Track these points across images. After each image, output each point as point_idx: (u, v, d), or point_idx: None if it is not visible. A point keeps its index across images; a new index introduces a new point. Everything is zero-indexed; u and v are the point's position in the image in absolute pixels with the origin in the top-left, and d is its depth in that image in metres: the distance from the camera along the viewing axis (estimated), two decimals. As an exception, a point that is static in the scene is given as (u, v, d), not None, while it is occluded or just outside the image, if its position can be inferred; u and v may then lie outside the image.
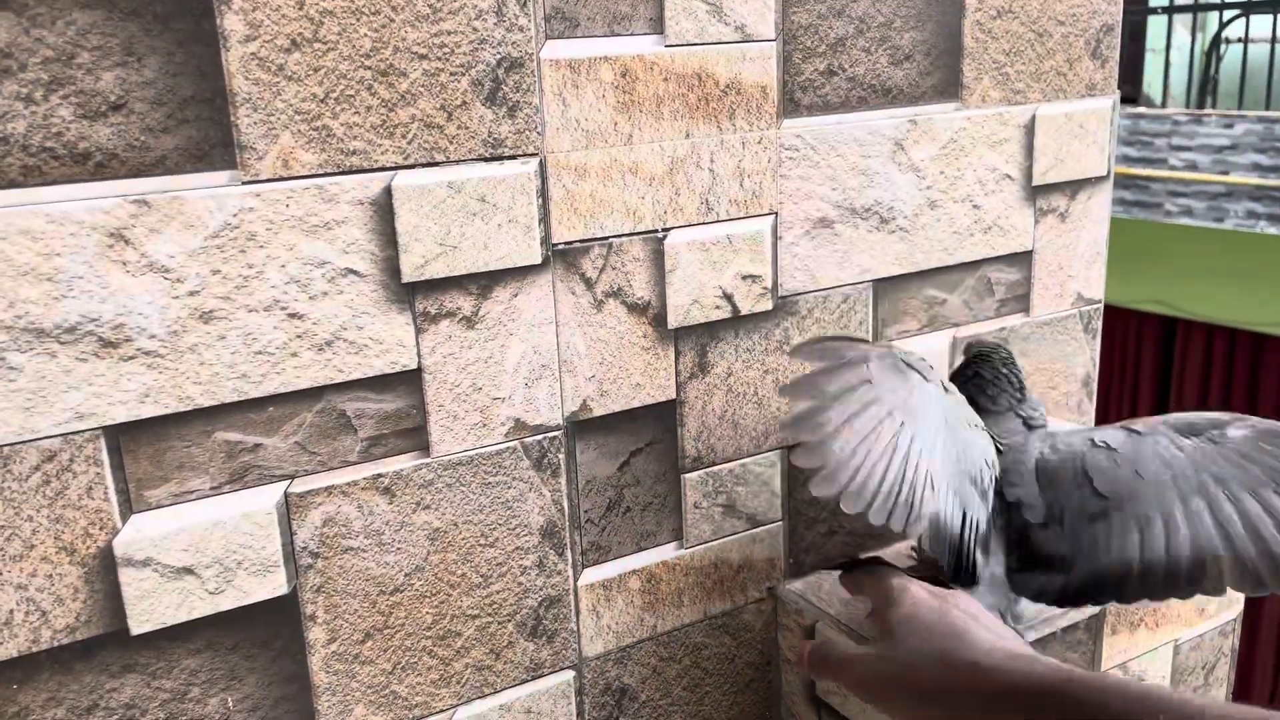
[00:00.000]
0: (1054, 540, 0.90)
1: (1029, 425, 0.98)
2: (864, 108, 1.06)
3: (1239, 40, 6.06)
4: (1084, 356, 1.31)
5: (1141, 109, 6.00)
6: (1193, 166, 5.82)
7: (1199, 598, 0.89)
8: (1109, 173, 1.27)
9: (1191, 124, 5.79)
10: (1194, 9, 5.92)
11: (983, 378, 1.01)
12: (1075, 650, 1.07)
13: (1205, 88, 6.12)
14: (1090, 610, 1.06)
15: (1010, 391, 0.99)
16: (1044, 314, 1.26)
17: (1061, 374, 1.29)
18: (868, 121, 1.07)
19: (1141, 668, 1.14)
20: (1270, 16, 5.62)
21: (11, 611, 0.77)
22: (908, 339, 1.16)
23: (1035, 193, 1.21)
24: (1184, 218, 5.92)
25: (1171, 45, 6.32)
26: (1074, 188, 1.24)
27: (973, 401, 0.96)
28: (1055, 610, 1.00)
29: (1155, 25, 6.53)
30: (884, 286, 1.13)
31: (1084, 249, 1.27)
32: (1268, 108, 5.86)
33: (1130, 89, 6.27)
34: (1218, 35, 6.18)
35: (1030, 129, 1.18)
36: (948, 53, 1.10)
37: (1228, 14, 5.87)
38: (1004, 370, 1.00)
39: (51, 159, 0.73)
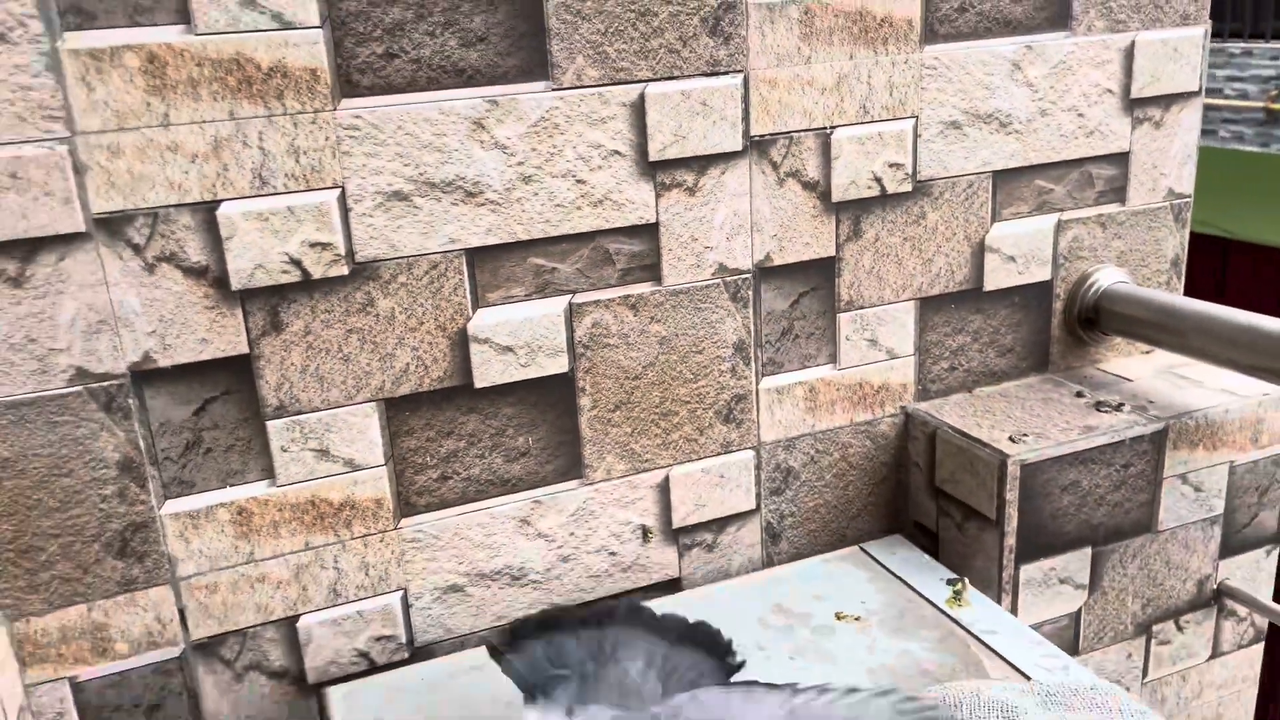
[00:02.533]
0: None
1: None
2: (990, 36, 1.39)
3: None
4: (1173, 241, 1.60)
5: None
6: (1244, 95, 5.86)
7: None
8: (1200, 89, 1.54)
9: (1243, 56, 5.84)
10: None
11: None
12: (1141, 458, 1.40)
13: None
14: (1155, 428, 1.38)
15: None
16: (1138, 204, 1.55)
17: (1153, 254, 1.59)
18: (991, 47, 1.39)
19: (1199, 479, 1.45)
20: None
21: (408, 364, 1.22)
22: (1020, 220, 1.48)
23: (1133, 105, 1.50)
24: (1235, 144, 5.98)
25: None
26: (1168, 101, 1.52)
27: None
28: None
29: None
30: (1001, 177, 1.46)
31: (1176, 152, 1.55)
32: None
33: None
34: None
35: (1130, 53, 1.47)
36: (1059, -8, 1.41)
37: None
38: None
39: (443, 73, 1.15)
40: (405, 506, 1.26)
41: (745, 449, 1.42)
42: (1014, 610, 1.38)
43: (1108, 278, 1.54)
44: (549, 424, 1.31)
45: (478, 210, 1.20)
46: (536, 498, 1.32)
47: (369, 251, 1.17)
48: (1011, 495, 1.34)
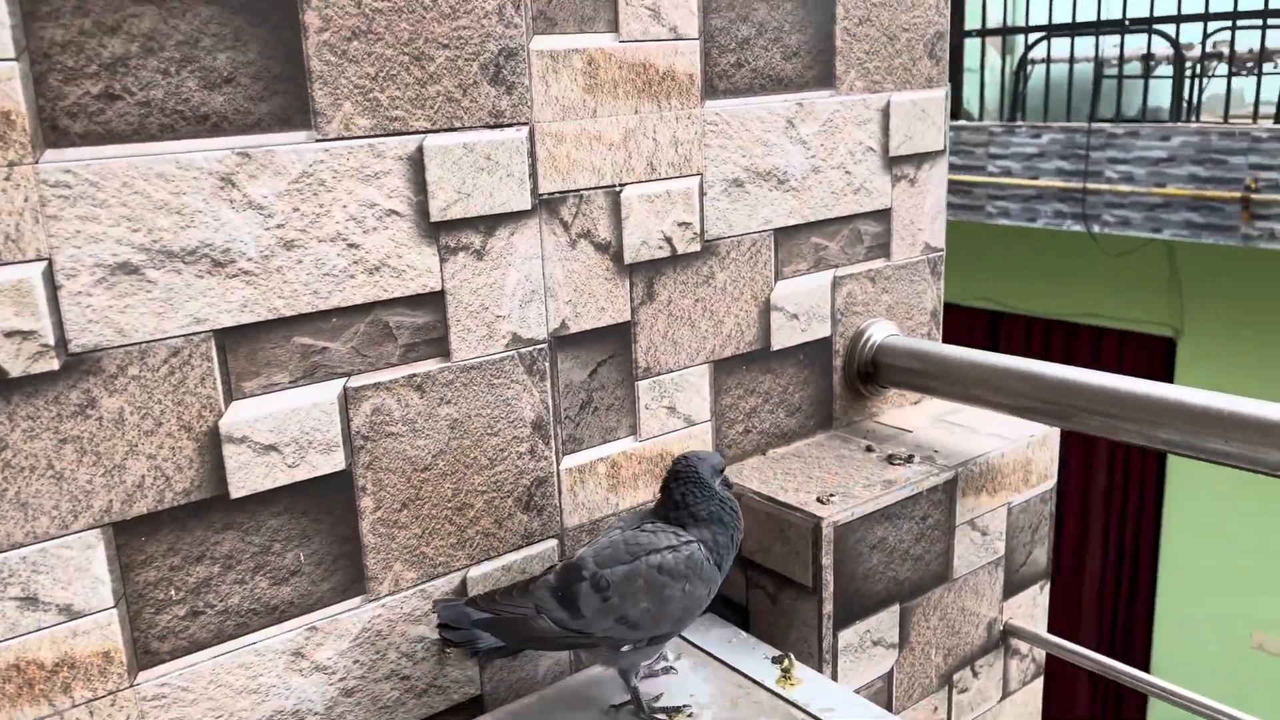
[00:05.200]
0: None
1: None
2: (764, 93, 1.37)
3: (1042, 61, 6.77)
4: (931, 294, 1.66)
5: (962, 121, 6.63)
6: (1007, 172, 6.48)
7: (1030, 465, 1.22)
8: (945, 148, 1.62)
9: (1005, 134, 6.45)
10: (1003, 32, 6.62)
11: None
12: (937, 508, 1.40)
13: (1016, 103, 6.83)
14: (947, 477, 1.39)
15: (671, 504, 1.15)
16: (901, 259, 1.60)
17: (915, 307, 1.63)
18: (764, 104, 1.38)
19: (985, 523, 1.48)
20: (1068, 39, 6.35)
21: (144, 476, 0.97)
22: (800, 277, 1.47)
23: (892, 163, 1.54)
24: (1002, 218, 6.58)
25: (986, 65, 7.01)
26: (920, 159, 1.58)
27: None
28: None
29: (972, 48, 7.20)
30: (782, 234, 1.44)
31: (929, 207, 1.62)
32: (1068, 119, 6.62)
33: (951, 105, 6.92)
34: (1024, 56, 6.88)
35: (886, 112, 1.52)
36: (824, 51, 1.42)
37: (1032, 36, 6.57)
38: (671, 486, 1.15)
39: (180, 120, 0.94)
40: (144, 656, 1.00)
41: (548, 538, 1.28)
42: (834, 679, 1.33)
43: (881, 331, 1.56)
44: (324, 533, 1.10)
45: (229, 283, 0.99)
46: (312, 624, 1.10)
47: (87, 339, 0.92)
48: (828, 560, 1.29)
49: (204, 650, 1.04)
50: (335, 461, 1.09)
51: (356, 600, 1.13)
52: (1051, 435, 1.54)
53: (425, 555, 1.17)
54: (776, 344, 1.47)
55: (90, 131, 0.90)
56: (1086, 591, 6.65)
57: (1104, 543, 6.56)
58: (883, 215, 1.56)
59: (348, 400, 1.09)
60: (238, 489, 1.03)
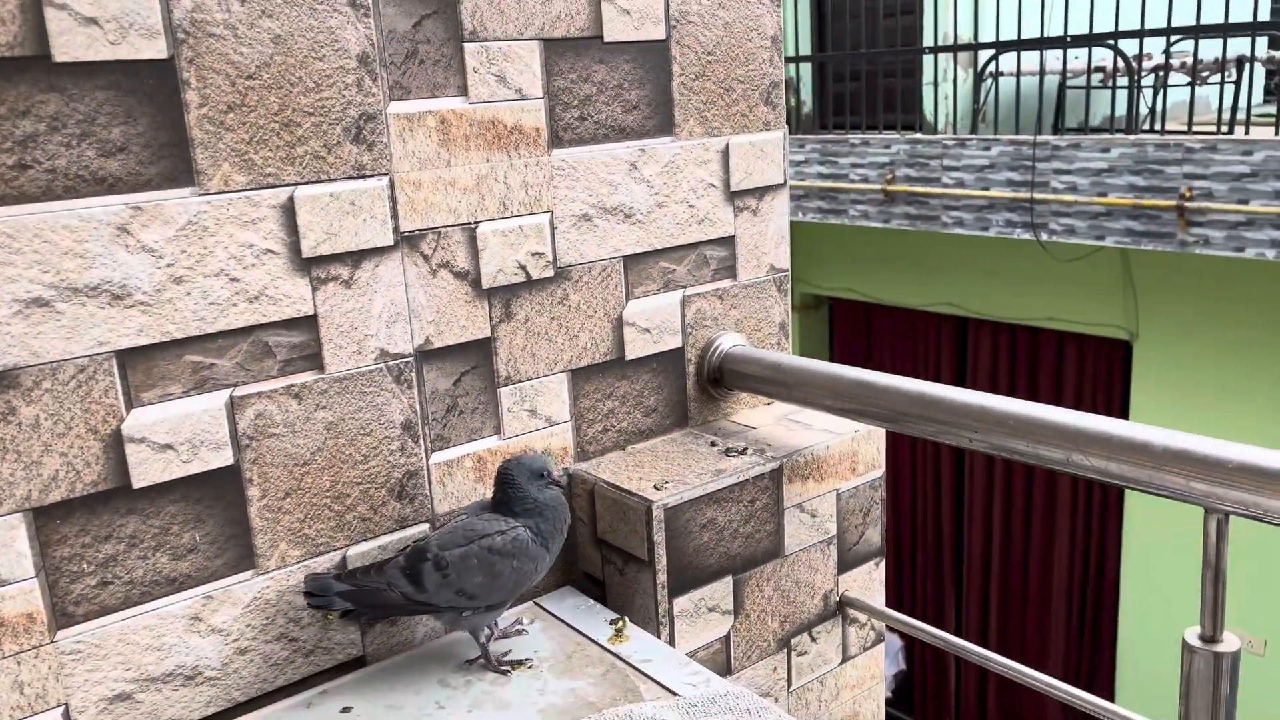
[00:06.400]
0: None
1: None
2: (608, 141, 1.60)
3: (993, 75, 7.01)
4: (779, 308, 1.88)
5: (917, 135, 6.89)
6: (961, 184, 6.72)
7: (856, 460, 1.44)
8: (785, 181, 1.85)
9: (958, 147, 6.70)
10: (954, 49, 6.86)
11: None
12: (764, 494, 1.63)
13: (976, 115, 7.07)
14: (772, 466, 1.62)
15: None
16: (747, 279, 1.83)
17: (764, 320, 1.86)
18: (611, 150, 1.61)
19: (814, 506, 1.71)
20: (1015, 54, 6.59)
21: (58, 471, 1.20)
22: (650, 297, 1.70)
23: (733, 196, 1.77)
24: (957, 228, 6.83)
25: (945, 80, 7.27)
26: (761, 192, 1.81)
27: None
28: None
29: (943, 62, 7.44)
30: (631, 260, 1.67)
31: (772, 233, 1.85)
32: (1016, 132, 6.84)
33: (909, 117, 7.17)
34: (980, 72, 7.12)
35: (726, 153, 1.75)
36: (663, 104, 1.66)
37: (986, 53, 6.80)
38: (496, 486, 1.41)
39: (82, 182, 1.17)
40: (62, 618, 1.23)
41: (420, 523, 1.50)
42: (672, 641, 1.55)
43: (728, 342, 1.79)
44: (217, 517, 1.33)
45: (127, 312, 1.22)
46: (208, 593, 1.33)
47: (7, 360, 1.15)
48: (659, 537, 1.51)
49: (113, 614, 1.26)
50: (224, 458, 1.31)
51: (247, 574, 1.36)
52: (876, 431, 1.77)
53: (308, 536, 1.40)
54: (630, 354, 1.69)
55: (6, 195, 1.13)
56: (1055, 598, 6.87)
57: (1070, 561, 6.78)
58: (727, 242, 1.79)
59: (233, 407, 1.31)
60: (139, 480, 1.26)
